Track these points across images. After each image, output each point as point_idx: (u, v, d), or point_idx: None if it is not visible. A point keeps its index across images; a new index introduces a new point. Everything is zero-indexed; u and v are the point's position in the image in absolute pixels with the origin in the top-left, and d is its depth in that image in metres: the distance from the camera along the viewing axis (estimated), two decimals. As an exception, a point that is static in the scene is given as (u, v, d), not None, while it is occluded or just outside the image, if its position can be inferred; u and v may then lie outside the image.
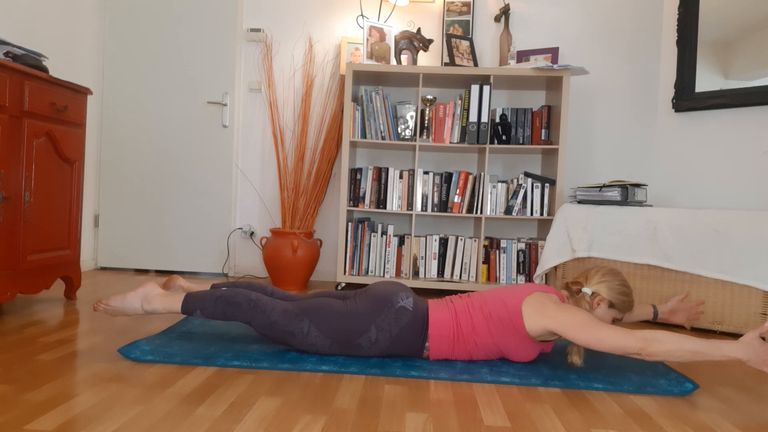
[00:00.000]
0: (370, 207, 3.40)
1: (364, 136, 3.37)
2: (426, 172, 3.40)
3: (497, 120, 3.38)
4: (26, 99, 2.34)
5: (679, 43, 3.26)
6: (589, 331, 1.73)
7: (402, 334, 1.89)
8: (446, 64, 3.56)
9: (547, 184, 3.31)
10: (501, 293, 1.94)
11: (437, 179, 3.39)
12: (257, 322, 1.90)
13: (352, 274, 3.39)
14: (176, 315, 2.52)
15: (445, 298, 2.04)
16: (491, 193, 3.36)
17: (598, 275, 1.93)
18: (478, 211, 3.33)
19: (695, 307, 2.24)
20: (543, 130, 3.36)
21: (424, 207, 3.39)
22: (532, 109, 3.39)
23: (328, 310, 1.91)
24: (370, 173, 3.40)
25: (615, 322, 1.95)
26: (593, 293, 1.90)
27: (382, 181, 3.40)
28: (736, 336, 2.62)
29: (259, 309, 1.90)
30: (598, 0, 3.63)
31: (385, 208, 3.39)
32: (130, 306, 1.97)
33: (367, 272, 3.41)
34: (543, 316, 1.82)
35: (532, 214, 3.33)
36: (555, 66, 3.18)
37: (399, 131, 3.37)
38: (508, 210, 3.34)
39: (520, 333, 1.87)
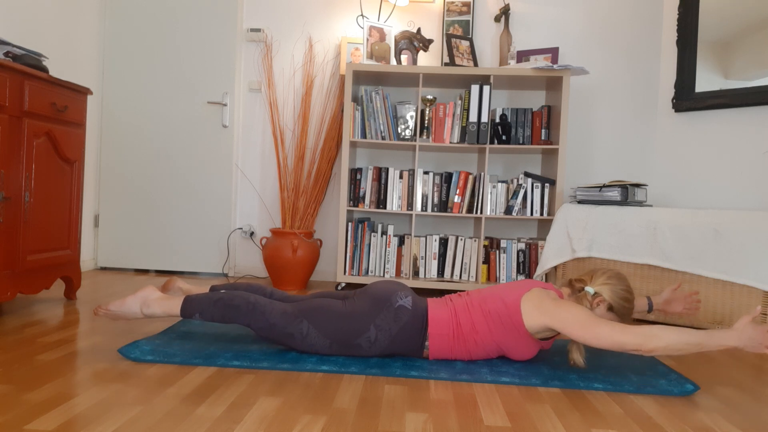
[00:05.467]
0: (370, 207, 3.40)
1: (364, 136, 3.36)
2: (426, 172, 3.40)
3: (497, 120, 3.37)
4: (26, 99, 2.34)
5: (679, 43, 3.26)
6: (588, 327, 1.73)
7: (401, 334, 1.89)
8: (446, 64, 3.56)
9: (547, 184, 3.31)
10: (500, 291, 1.94)
11: (437, 179, 3.39)
12: (256, 325, 1.90)
13: (352, 274, 3.39)
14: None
15: (444, 296, 2.04)
16: (491, 193, 3.36)
17: (604, 277, 1.92)
18: (478, 211, 3.33)
19: (690, 296, 2.18)
20: (543, 130, 3.36)
21: (424, 207, 3.39)
22: (532, 109, 3.39)
23: (327, 310, 1.91)
24: (370, 173, 3.40)
25: None
26: (595, 293, 1.89)
27: (382, 181, 3.40)
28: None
29: (258, 311, 1.90)
30: (598, 0, 3.64)
31: (385, 208, 3.39)
32: (130, 310, 1.97)
33: (367, 272, 3.41)
34: (541, 312, 1.81)
35: (532, 214, 3.33)
36: (555, 66, 3.18)
37: (399, 131, 3.37)
38: (508, 210, 3.34)
39: (520, 331, 1.87)
